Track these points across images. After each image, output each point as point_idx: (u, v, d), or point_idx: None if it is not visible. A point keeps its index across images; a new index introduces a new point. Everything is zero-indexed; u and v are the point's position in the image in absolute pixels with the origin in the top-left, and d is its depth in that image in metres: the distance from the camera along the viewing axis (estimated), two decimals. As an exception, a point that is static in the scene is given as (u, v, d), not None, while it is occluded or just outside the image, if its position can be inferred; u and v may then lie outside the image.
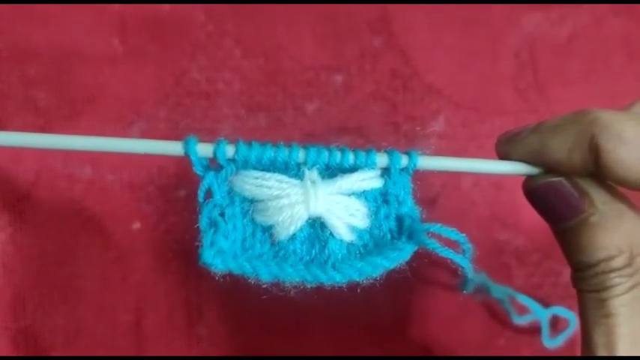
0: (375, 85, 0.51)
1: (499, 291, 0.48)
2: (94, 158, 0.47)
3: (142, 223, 0.47)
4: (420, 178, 0.50)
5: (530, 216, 0.49)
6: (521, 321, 0.49)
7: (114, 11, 0.49)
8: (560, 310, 0.49)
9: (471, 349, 0.50)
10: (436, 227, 0.34)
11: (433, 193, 0.50)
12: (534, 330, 0.50)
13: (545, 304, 0.49)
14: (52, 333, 0.46)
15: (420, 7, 0.52)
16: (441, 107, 0.51)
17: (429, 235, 0.33)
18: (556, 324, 0.50)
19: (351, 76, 0.50)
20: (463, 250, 0.34)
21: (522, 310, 0.49)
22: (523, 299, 0.48)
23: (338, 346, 0.49)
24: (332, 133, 0.50)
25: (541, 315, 0.48)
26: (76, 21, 0.48)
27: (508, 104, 0.52)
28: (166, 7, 0.49)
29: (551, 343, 0.48)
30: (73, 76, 0.48)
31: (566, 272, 0.47)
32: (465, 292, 0.39)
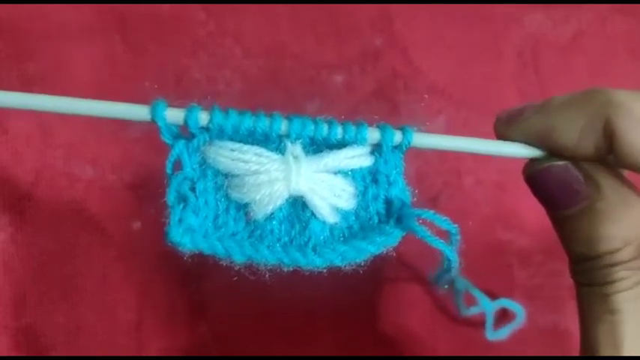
0: (376, 85, 0.50)
1: (462, 283, 0.47)
2: (95, 158, 0.47)
3: (143, 222, 0.47)
4: (422, 176, 0.50)
5: (533, 216, 0.50)
6: (468, 313, 0.47)
7: (114, 10, 0.49)
8: (508, 303, 0.47)
9: (473, 349, 0.49)
10: (428, 214, 0.31)
11: (435, 192, 0.50)
12: (534, 331, 0.49)
13: (547, 305, 0.49)
14: (52, 332, 0.46)
15: (421, 7, 0.52)
16: (442, 107, 0.51)
17: (420, 221, 0.31)
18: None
19: (353, 76, 0.50)
20: (450, 242, 0.32)
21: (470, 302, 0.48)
22: (474, 292, 0.46)
23: (340, 346, 0.49)
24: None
25: (488, 307, 0.46)
26: (76, 20, 0.48)
27: (510, 104, 0.51)
28: (166, 6, 0.49)
29: (495, 335, 0.47)
30: (73, 75, 0.48)
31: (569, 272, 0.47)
32: (440, 286, 0.36)
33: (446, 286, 0.44)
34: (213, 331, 0.48)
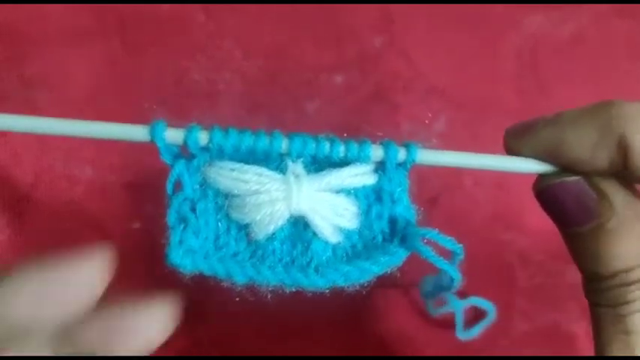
0: (376, 86, 0.50)
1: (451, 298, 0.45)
2: (94, 159, 0.47)
3: (142, 224, 0.47)
4: (421, 177, 0.50)
5: (533, 216, 0.49)
6: (437, 313, 0.47)
7: (113, 11, 0.49)
8: (478, 301, 0.47)
9: (471, 350, 0.49)
10: (433, 234, 0.30)
11: (434, 193, 0.50)
12: (534, 331, 0.49)
13: (548, 305, 0.49)
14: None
15: (421, 8, 0.52)
16: (442, 108, 0.51)
17: (424, 241, 0.30)
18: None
19: (352, 77, 0.50)
20: (453, 261, 0.31)
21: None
22: (450, 297, 0.45)
23: (339, 347, 0.48)
24: (333, 133, 0.49)
25: (457, 306, 0.45)
26: (75, 21, 0.48)
27: (510, 105, 0.52)
28: (166, 7, 0.49)
29: (465, 334, 0.46)
30: (73, 76, 0.47)
31: (570, 272, 0.47)
32: (426, 300, 0.35)
33: (430, 301, 0.44)
34: (212, 332, 0.48)
